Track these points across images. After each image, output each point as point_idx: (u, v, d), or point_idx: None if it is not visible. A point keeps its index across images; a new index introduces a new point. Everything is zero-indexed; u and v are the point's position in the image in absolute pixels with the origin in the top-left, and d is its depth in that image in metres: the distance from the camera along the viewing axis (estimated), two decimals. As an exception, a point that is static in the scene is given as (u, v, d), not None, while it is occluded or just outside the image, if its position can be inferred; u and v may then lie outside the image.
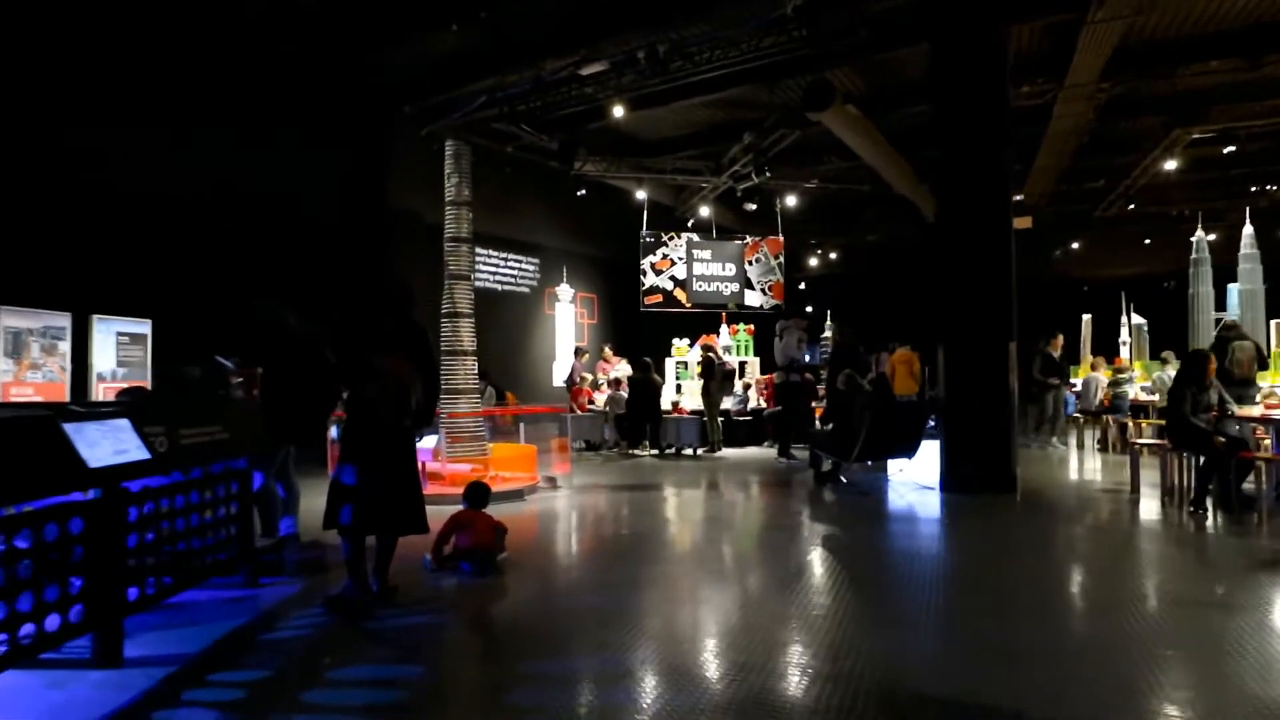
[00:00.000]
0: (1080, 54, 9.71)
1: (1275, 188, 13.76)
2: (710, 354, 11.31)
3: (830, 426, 8.17)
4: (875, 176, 15.11)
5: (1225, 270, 14.95)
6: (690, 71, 9.30)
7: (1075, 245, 19.75)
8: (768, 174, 11.95)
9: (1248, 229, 12.18)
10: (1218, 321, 11.99)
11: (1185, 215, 18.21)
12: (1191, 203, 16.94)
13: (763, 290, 14.49)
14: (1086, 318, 19.08)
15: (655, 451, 11.15)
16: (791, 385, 9.90)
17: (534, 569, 4.93)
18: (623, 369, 12.82)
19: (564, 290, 16.28)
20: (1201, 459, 6.58)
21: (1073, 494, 7.69)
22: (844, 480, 8.07)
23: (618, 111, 10.09)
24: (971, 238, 7.68)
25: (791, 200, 14.75)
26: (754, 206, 14.59)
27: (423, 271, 8.84)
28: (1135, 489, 7.24)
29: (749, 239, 14.51)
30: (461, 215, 8.25)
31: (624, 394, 11.79)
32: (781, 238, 14.76)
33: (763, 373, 13.92)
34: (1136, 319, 19.53)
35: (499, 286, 15.30)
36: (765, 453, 11.29)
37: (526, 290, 15.80)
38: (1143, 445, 7.62)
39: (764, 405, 12.67)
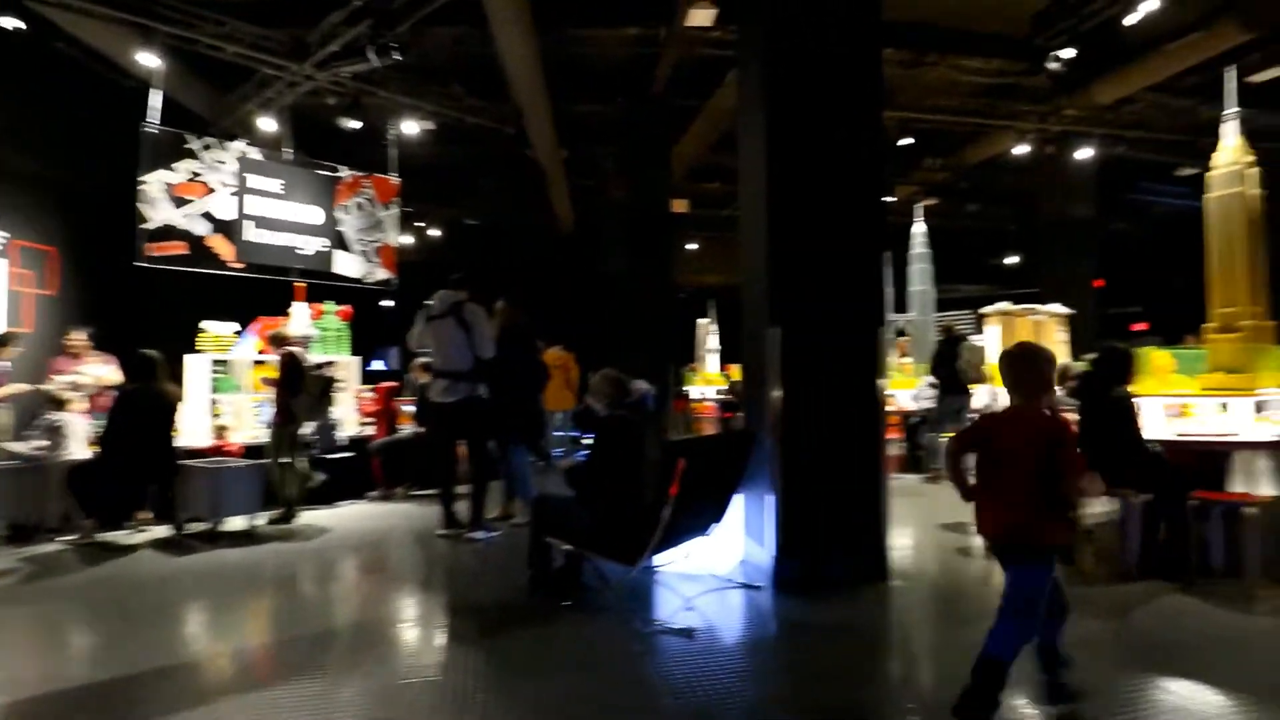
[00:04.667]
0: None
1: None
2: (292, 350, 6.27)
3: (575, 495, 4.09)
4: (515, 124, 11.51)
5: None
6: None
7: (693, 246, 19.00)
8: (395, 54, 7.33)
9: (919, 226, 11.59)
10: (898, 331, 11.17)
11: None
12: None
13: (365, 254, 9.60)
14: (703, 322, 18.21)
15: (170, 531, 5.68)
16: (471, 405, 5.53)
17: None
18: (102, 372, 6.83)
19: (-18, 231, 9.03)
20: (1148, 500, 4.32)
21: (951, 571, 4.89)
22: (604, 583, 4.10)
23: None
24: (831, 179, 4.35)
25: (412, 128, 10.18)
26: (358, 125, 9.70)
27: None
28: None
29: (345, 172, 9.46)
30: None
31: (74, 419, 6.03)
32: (397, 179, 10.03)
33: (366, 382, 9.10)
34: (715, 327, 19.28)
35: None
36: (380, 512, 6.68)
37: (-113, 221, 8.27)
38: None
39: (370, 433, 7.97)
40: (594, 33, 10.06)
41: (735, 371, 13.00)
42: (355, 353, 8.79)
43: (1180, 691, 2.88)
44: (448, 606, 4.14)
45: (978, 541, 5.28)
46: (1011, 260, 22.04)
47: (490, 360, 5.70)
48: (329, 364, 7.91)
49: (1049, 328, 9.90)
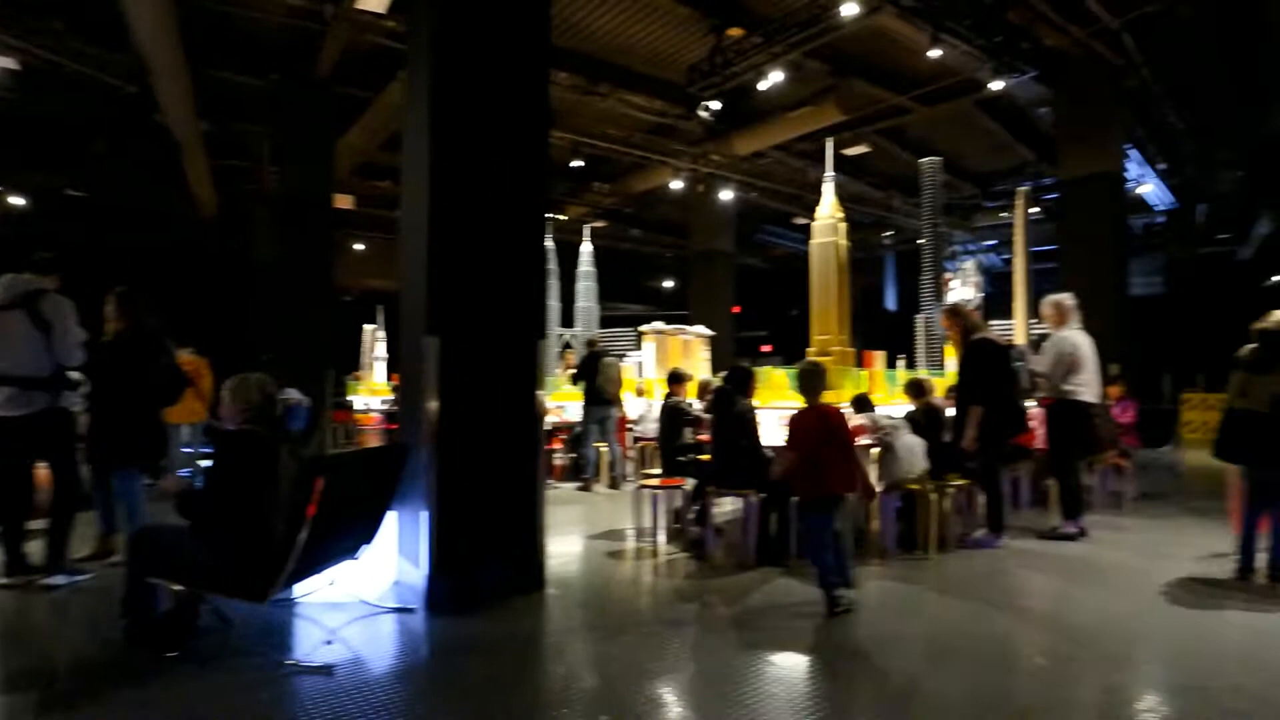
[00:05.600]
0: None
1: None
2: None
3: (189, 525, 3.46)
4: (139, 81, 9.79)
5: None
6: None
7: (360, 247, 17.78)
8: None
9: (587, 246, 12.14)
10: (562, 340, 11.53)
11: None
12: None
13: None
14: (369, 327, 17.19)
15: None
16: (51, 419, 4.42)
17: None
18: None
19: None
20: (763, 498, 4.98)
21: (603, 576, 5.08)
22: (226, 625, 3.55)
23: None
24: (496, 189, 4.32)
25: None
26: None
27: None
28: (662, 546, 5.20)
29: None
30: None
31: None
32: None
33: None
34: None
35: None
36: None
37: None
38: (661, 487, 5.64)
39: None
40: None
41: (403, 381, 12.46)
42: None
43: (778, 661, 3.34)
44: (4, 680, 3.24)
45: (629, 546, 5.67)
46: (668, 284, 24.46)
47: (99, 365, 4.68)
48: None
49: (695, 346, 11.10)
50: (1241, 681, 3.13)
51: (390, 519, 4.25)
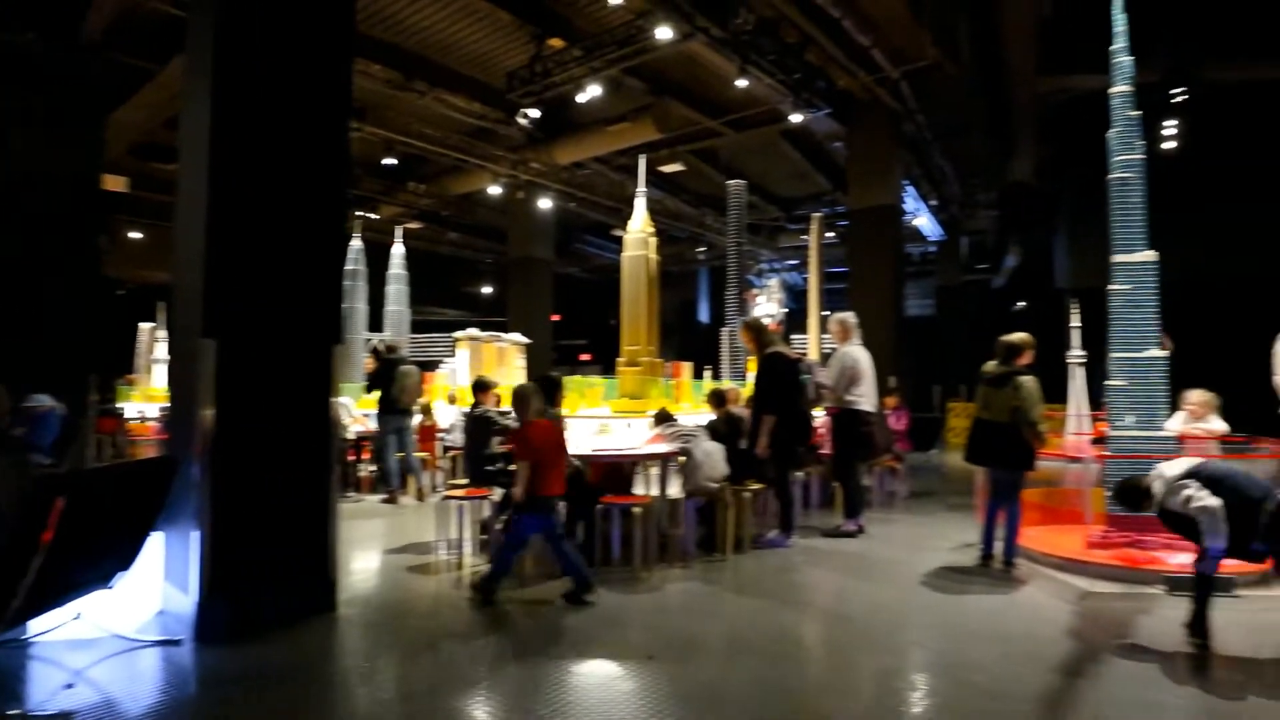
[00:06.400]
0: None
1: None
2: None
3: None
4: None
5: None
6: None
7: (137, 235, 15.77)
8: None
9: (398, 247, 11.59)
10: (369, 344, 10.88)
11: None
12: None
13: None
14: (147, 326, 15.33)
15: None
16: None
17: None
18: None
19: None
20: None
21: (401, 593, 4.82)
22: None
23: None
24: (287, 180, 4.01)
25: None
26: None
27: None
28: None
29: None
30: None
31: None
32: None
33: None
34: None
35: None
36: None
37: None
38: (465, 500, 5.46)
39: None
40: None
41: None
42: None
43: (581, 670, 3.36)
44: None
45: (433, 559, 5.47)
46: (487, 290, 24.03)
47: None
48: None
49: (511, 354, 10.96)
50: (979, 657, 3.58)
51: (155, 541, 3.81)
